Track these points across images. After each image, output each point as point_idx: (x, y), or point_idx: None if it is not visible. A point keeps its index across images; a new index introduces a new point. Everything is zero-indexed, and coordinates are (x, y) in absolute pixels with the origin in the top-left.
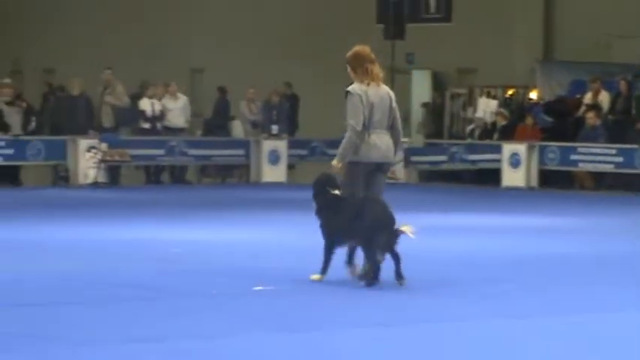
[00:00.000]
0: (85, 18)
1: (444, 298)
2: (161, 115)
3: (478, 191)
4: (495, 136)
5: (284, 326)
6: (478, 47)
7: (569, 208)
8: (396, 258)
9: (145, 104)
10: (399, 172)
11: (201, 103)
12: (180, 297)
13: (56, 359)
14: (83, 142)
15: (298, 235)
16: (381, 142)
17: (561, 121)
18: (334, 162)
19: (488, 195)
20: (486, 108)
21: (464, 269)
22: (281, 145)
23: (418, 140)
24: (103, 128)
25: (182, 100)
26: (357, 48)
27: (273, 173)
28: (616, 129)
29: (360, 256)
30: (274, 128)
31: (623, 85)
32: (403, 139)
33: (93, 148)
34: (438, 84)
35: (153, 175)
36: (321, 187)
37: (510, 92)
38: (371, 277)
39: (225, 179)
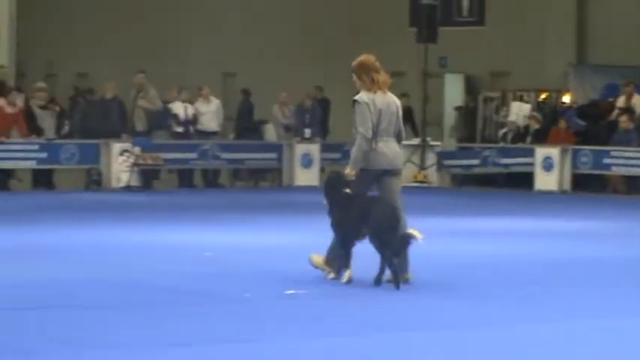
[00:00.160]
0: (118, 23)
1: (474, 302)
2: (194, 119)
3: (511, 195)
4: (528, 139)
5: (317, 330)
6: (511, 51)
7: (601, 211)
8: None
9: (178, 108)
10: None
11: (233, 107)
12: (214, 301)
13: None
14: (116, 146)
15: (331, 238)
16: (388, 150)
17: (594, 125)
18: (347, 170)
19: (521, 199)
20: (519, 112)
21: (495, 273)
22: (314, 149)
23: (451, 144)
24: (136, 132)
25: (215, 103)
26: (363, 57)
27: (306, 177)
28: None
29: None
30: (307, 132)
31: None
32: (436, 143)
33: (126, 151)
34: (471, 88)
35: (186, 178)
36: (332, 186)
37: (543, 96)
38: (395, 280)
39: (257, 183)
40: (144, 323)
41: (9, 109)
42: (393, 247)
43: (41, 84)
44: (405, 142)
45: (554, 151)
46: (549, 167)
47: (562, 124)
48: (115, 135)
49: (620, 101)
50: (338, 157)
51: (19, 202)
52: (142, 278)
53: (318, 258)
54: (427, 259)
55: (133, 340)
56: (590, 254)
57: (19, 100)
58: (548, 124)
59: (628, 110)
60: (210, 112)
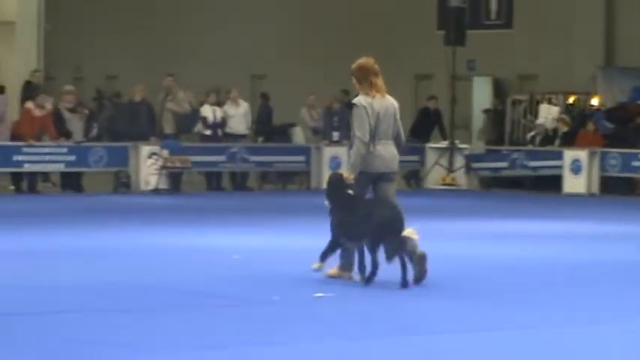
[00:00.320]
0: (146, 25)
1: (498, 305)
2: (222, 122)
3: (539, 198)
4: (556, 142)
5: (346, 333)
6: (539, 54)
7: (630, 214)
8: (404, 266)
9: (207, 111)
10: None
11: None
12: (242, 304)
13: None
14: (145, 149)
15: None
16: (386, 152)
17: (623, 128)
18: (346, 174)
19: (549, 201)
20: (547, 114)
21: (521, 276)
22: (342, 152)
23: (479, 147)
24: (165, 135)
25: (243, 106)
26: (362, 60)
27: None
28: None
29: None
30: (335, 135)
31: None
32: (464, 146)
33: (154, 154)
34: (499, 90)
35: (214, 181)
36: (335, 187)
37: (572, 99)
38: (367, 277)
39: (285, 186)
40: (172, 326)
41: (38, 113)
42: (391, 248)
43: (69, 87)
44: (433, 145)
45: (582, 154)
46: (577, 170)
47: (590, 126)
48: (144, 138)
49: None
50: None
51: (47, 205)
52: (171, 281)
53: (333, 270)
54: (454, 261)
55: (161, 343)
56: (617, 258)
57: (48, 104)
58: (577, 127)
59: None
60: (238, 115)
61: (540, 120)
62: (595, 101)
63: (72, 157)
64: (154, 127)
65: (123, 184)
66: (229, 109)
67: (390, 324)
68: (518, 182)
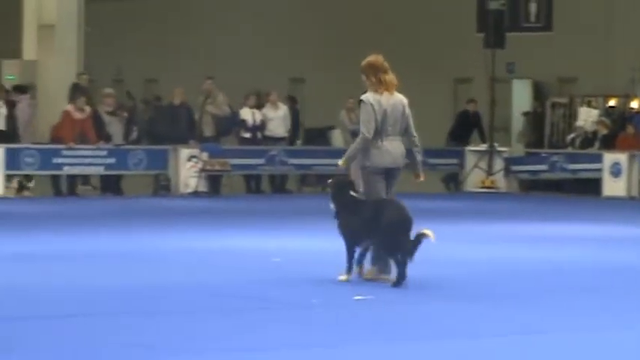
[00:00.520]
0: (186, 28)
1: (534, 309)
2: (262, 125)
3: (578, 201)
4: (596, 145)
5: (385, 336)
6: (578, 56)
7: None
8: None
9: (246, 113)
10: (422, 174)
11: (301, 113)
12: (282, 307)
13: None
14: (184, 152)
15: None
16: (392, 148)
17: None
18: (340, 162)
19: (589, 205)
20: (587, 117)
21: (558, 280)
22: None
23: (518, 149)
24: (204, 138)
25: (283, 109)
26: (371, 58)
27: None
28: None
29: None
30: None
31: None
32: (503, 148)
33: (194, 157)
34: (539, 93)
35: (253, 184)
36: (339, 189)
37: (612, 102)
38: (395, 281)
39: (325, 188)
40: (211, 329)
41: (78, 115)
42: (406, 249)
43: (109, 90)
44: (472, 148)
45: (622, 157)
46: (617, 173)
47: (630, 129)
48: (183, 141)
49: None
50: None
51: (87, 208)
52: (210, 284)
53: (369, 272)
54: (493, 264)
55: (199, 345)
56: None
57: (88, 107)
58: (617, 130)
59: None
60: (277, 118)
61: (580, 123)
62: (635, 104)
63: (111, 160)
64: (194, 130)
65: (162, 187)
66: (268, 112)
67: (429, 327)
68: (558, 185)
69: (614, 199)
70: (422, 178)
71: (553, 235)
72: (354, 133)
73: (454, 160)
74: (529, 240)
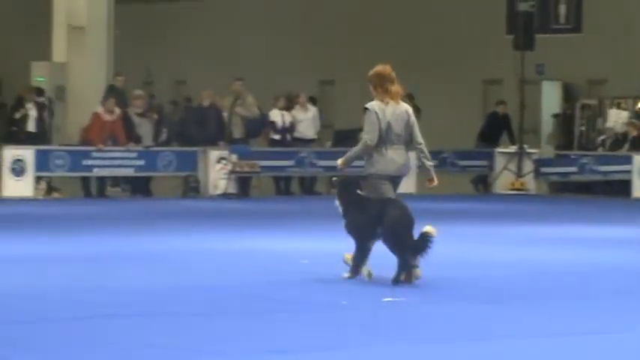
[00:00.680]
0: (215, 30)
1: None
2: (291, 127)
3: (608, 203)
4: (626, 147)
5: (416, 337)
6: (608, 58)
7: None
8: (405, 263)
9: (275, 115)
10: (435, 178)
11: (330, 115)
12: (311, 308)
13: None
14: (214, 153)
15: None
16: (397, 157)
17: None
18: (339, 162)
19: (619, 206)
20: (617, 119)
21: (585, 281)
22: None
23: (548, 151)
24: (233, 139)
25: (312, 111)
26: (379, 68)
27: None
28: None
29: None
30: None
31: None
32: (533, 150)
33: (223, 159)
34: (568, 95)
35: (283, 186)
36: (346, 189)
37: None
38: (394, 278)
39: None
40: (241, 330)
41: (107, 117)
42: (412, 247)
43: (139, 92)
44: (502, 150)
45: None
46: None
47: None
48: (213, 142)
49: None
50: (436, 164)
51: (117, 209)
52: (238, 285)
53: (419, 271)
54: (523, 266)
55: (229, 347)
56: None
57: (117, 108)
58: None
59: None
60: (307, 120)
61: (610, 124)
62: None
63: (141, 162)
64: (223, 132)
65: (192, 188)
66: (298, 113)
67: (460, 328)
68: (588, 187)
69: None
70: (435, 183)
71: (583, 237)
72: None
73: (484, 162)
74: (558, 242)
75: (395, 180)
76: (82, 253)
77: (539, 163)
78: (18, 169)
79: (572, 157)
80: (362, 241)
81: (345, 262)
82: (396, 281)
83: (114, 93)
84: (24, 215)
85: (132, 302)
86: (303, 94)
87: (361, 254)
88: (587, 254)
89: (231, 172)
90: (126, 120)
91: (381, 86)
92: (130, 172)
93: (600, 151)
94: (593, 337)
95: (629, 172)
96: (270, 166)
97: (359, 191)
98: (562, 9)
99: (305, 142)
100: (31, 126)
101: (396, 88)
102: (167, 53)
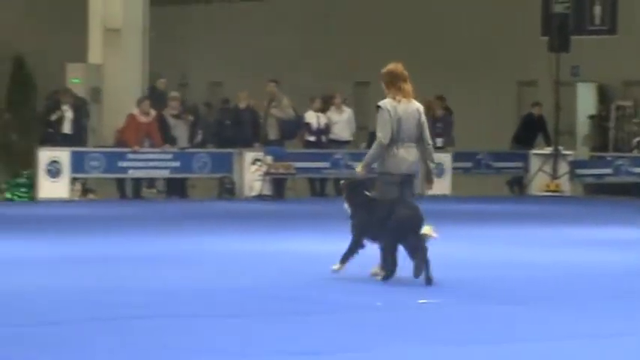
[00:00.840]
0: (250, 31)
1: (599, 313)
2: (326, 128)
3: None
4: None
5: (451, 339)
6: None
7: None
8: (427, 262)
9: (311, 117)
10: (433, 182)
11: (366, 117)
12: (347, 309)
13: None
14: (249, 155)
15: (462, 247)
16: (408, 155)
17: None
18: (358, 168)
19: None
20: None
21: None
22: (445, 158)
23: (583, 153)
24: (269, 141)
25: (347, 112)
26: (391, 66)
27: (438, 186)
28: None
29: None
30: (438, 141)
31: None
32: (568, 152)
33: (258, 160)
34: (604, 96)
35: (318, 187)
36: (354, 190)
37: None
38: (385, 274)
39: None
40: (277, 332)
41: (143, 119)
42: (411, 247)
43: (174, 93)
44: (537, 152)
45: None
46: None
47: None
48: (248, 144)
49: None
50: (469, 166)
51: (152, 211)
52: (270, 286)
53: (374, 269)
54: (558, 268)
55: (250, 349)
56: None
57: (152, 110)
58: None
59: None
60: (342, 122)
61: None
62: None
63: (176, 163)
64: (258, 134)
65: (227, 190)
66: (333, 115)
67: (494, 330)
68: (623, 189)
69: None
70: (431, 187)
71: (618, 239)
72: None
73: (519, 164)
74: (594, 244)
75: (407, 178)
76: (116, 254)
77: (575, 164)
78: (54, 171)
79: (608, 158)
80: (361, 238)
81: (374, 275)
82: (428, 281)
83: (155, 95)
84: (59, 217)
85: (164, 303)
86: (338, 96)
87: (355, 248)
88: (621, 256)
89: (267, 173)
90: (161, 122)
91: (393, 84)
92: (165, 173)
93: (636, 153)
94: (620, 339)
95: None
96: (305, 167)
97: (367, 193)
98: (597, 10)
99: (340, 143)
100: (66, 128)
101: (408, 86)
102: (202, 55)
